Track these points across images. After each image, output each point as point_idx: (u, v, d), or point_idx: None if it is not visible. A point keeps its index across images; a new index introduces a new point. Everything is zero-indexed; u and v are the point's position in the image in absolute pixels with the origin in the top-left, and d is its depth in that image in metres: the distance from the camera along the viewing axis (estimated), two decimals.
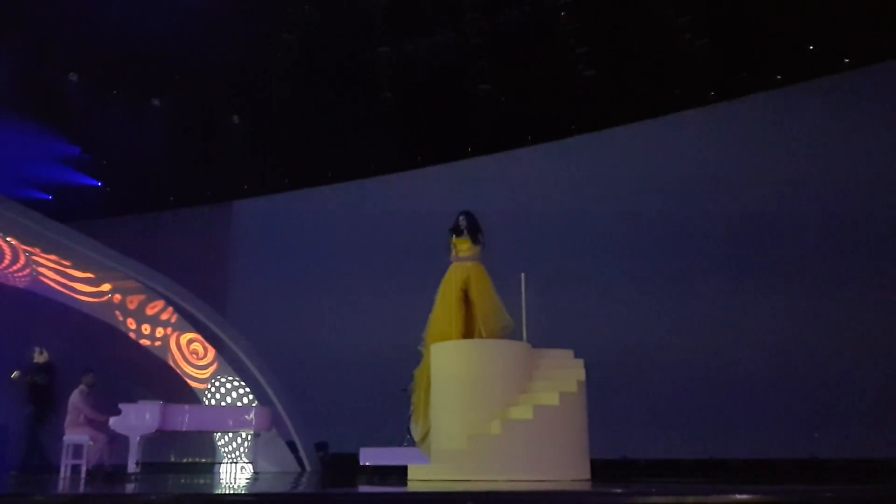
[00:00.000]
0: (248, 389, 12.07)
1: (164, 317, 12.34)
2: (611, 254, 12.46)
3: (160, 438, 10.19)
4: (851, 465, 9.63)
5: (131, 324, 12.28)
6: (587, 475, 6.63)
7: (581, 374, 6.91)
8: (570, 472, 6.48)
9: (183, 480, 8.89)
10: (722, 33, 11.90)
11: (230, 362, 12.15)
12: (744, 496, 4.00)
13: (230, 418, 10.45)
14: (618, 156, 12.88)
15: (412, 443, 8.20)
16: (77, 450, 9.18)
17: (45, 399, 10.27)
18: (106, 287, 12.04)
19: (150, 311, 12.29)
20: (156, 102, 15.01)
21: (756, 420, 10.67)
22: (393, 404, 9.44)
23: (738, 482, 6.15)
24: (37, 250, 11.47)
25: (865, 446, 9.79)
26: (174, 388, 12.12)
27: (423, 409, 7.37)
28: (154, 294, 12.10)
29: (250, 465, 11.49)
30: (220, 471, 11.83)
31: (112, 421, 9.26)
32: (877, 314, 10.40)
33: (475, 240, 7.54)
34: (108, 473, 8.98)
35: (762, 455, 10.31)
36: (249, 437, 11.67)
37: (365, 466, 9.15)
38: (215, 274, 15.52)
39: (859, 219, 10.85)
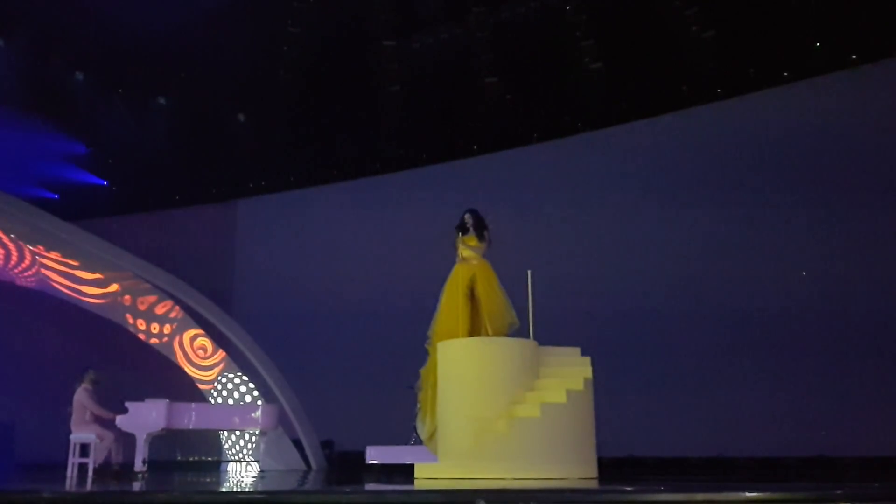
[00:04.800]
0: (253, 387, 12.06)
1: (170, 315, 12.34)
2: (616, 250, 12.41)
3: (166, 437, 10.19)
4: (859, 462, 9.59)
5: (141, 325, 12.26)
6: (594, 473, 6.59)
7: (588, 371, 6.87)
8: (578, 469, 6.45)
9: (190, 479, 8.89)
10: (729, 29, 11.85)
11: (236, 360, 12.15)
12: (755, 494, 3.95)
13: (236, 416, 10.44)
14: (623, 153, 12.83)
15: (419, 441, 8.16)
16: (84, 448, 9.15)
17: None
18: (114, 287, 12.02)
19: (158, 311, 12.28)
20: (161, 101, 15.02)
21: (764, 418, 10.62)
22: (399, 402, 9.41)
23: (748, 480, 6.11)
24: (41, 249, 11.46)
25: (873, 444, 9.74)
26: (180, 386, 12.11)
27: (430, 408, 7.34)
28: (160, 293, 12.09)
29: (256, 464, 11.49)
30: (227, 469, 11.83)
31: (119, 419, 9.24)
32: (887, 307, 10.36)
33: (481, 237, 7.53)
34: (116, 472, 8.96)
35: (770, 453, 10.26)
36: (255, 436, 11.66)
37: (371, 464, 9.13)
38: (221, 272, 15.51)
39: (863, 216, 10.81)
